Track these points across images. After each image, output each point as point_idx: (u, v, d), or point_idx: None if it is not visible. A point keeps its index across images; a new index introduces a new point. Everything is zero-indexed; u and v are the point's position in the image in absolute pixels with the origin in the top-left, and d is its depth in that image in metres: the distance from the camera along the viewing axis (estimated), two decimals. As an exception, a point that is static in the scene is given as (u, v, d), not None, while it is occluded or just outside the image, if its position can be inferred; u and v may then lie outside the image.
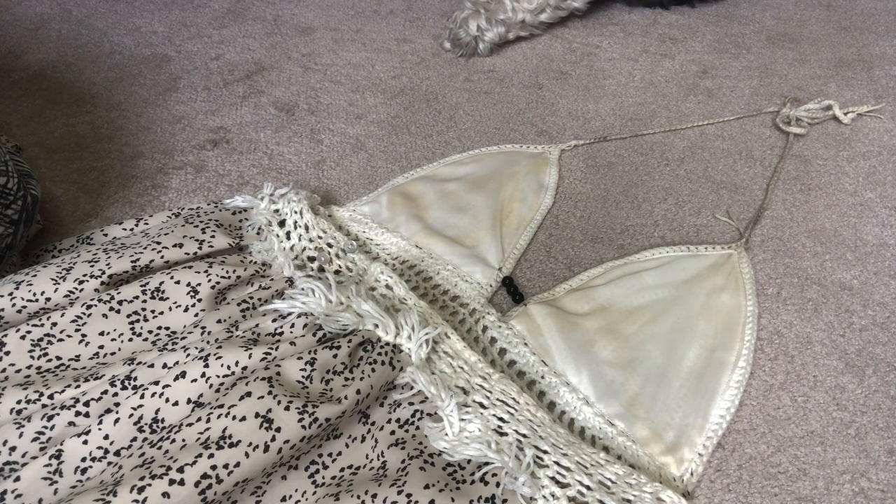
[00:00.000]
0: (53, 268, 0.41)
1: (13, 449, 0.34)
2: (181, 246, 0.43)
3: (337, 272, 0.47)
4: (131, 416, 0.34)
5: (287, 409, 0.34)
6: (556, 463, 0.35)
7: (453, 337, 0.41)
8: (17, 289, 0.39)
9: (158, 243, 0.43)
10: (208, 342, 0.38)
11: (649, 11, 0.83)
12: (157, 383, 0.35)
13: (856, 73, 0.71)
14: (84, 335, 0.39)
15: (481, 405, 0.38)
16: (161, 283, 0.41)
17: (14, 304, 0.39)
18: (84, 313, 0.39)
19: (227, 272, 0.42)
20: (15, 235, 0.44)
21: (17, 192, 0.44)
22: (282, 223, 0.49)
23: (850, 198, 0.56)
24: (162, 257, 0.42)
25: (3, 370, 0.37)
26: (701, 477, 0.38)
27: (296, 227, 0.49)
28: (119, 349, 0.40)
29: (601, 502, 0.34)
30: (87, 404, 0.35)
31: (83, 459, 0.33)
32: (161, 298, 0.41)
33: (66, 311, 0.39)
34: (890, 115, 0.65)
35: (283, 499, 0.34)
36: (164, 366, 0.37)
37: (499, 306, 0.47)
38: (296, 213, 0.49)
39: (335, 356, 0.37)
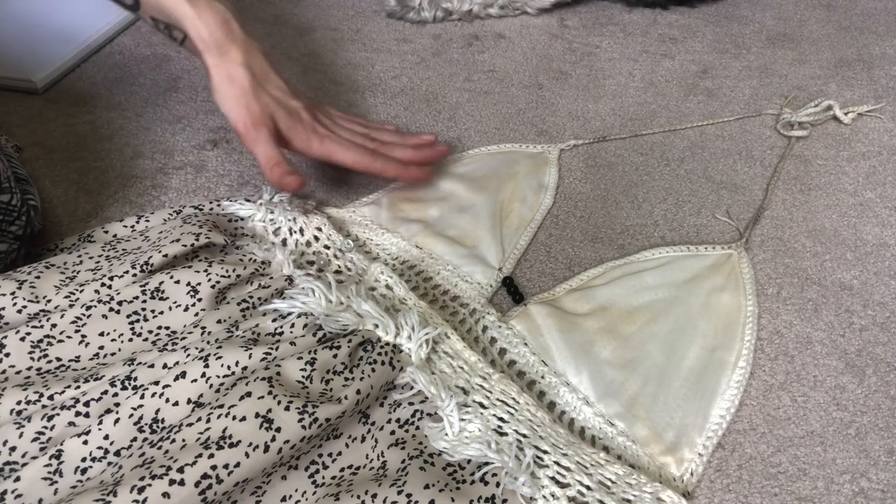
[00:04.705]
0: (57, 273, 0.41)
1: (13, 449, 0.34)
2: (178, 241, 0.43)
3: (337, 272, 0.47)
4: (131, 416, 0.34)
5: (287, 409, 0.34)
6: (556, 463, 0.35)
7: (453, 337, 0.41)
8: (19, 288, 0.39)
9: (156, 244, 0.43)
10: (208, 342, 0.38)
11: (649, 11, 0.83)
12: (157, 383, 0.35)
13: (856, 73, 0.71)
14: (84, 336, 0.39)
15: (481, 405, 0.38)
16: (161, 283, 0.41)
17: (15, 304, 0.39)
18: (84, 314, 0.39)
19: (227, 271, 0.42)
20: (19, 251, 0.45)
21: (20, 209, 0.44)
22: (277, 231, 0.49)
23: (850, 198, 0.56)
24: (159, 251, 0.42)
25: (3, 371, 0.37)
26: (701, 477, 0.38)
27: (291, 234, 0.49)
28: (119, 349, 0.40)
29: (601, 502, 0.34)
30: (87, 404, 0.35)
31: (83, 459, 0.33)
32: (161, 298, 0.41)
33: (66, 313, 0.39)
34: (890, 115, 0.65)
35: (284, 499, 0.34)
36: (164, 366, 0.37)
37: (499, 306, 0.47)
38: (289, 220, 0.49)
39: (335, 356, 0.37)
